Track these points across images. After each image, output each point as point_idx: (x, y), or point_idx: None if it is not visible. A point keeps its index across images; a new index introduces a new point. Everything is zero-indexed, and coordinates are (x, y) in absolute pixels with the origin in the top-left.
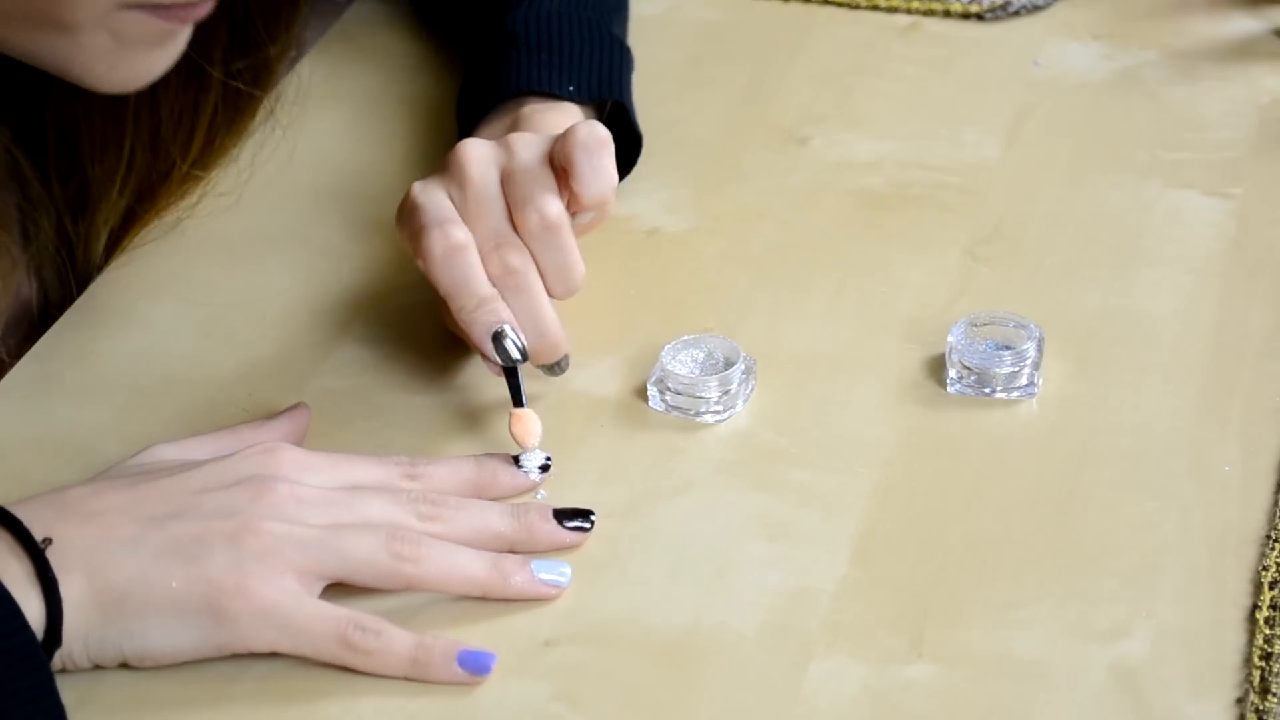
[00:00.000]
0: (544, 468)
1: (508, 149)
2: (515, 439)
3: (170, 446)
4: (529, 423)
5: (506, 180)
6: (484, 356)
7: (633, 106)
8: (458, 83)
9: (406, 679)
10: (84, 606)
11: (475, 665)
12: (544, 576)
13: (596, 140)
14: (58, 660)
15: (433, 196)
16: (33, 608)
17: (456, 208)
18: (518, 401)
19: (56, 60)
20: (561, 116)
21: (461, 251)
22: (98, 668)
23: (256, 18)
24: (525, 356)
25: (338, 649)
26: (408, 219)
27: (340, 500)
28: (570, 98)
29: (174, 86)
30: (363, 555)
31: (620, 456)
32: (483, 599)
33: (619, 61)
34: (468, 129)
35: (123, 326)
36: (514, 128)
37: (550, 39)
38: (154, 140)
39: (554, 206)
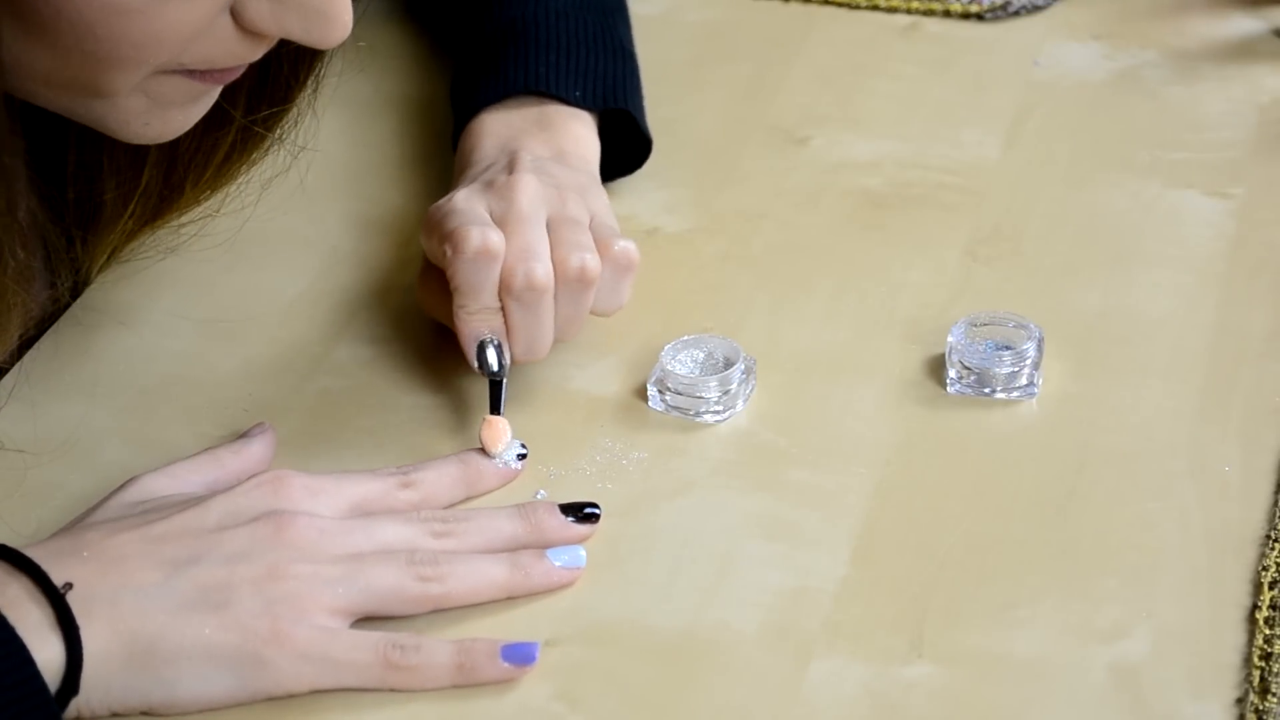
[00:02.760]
0: (521, 456)
1: (561, 200)
2: (483, 443)
3: (158, 477)
4: (498, 431)
5: (554, 223)
6: (464, 354)
7: (642, 109)
8: None
9: (454, 687)
10: (108, 655)
11: (520, 656)
12: (561, 563)
13: (628, 263)
14: (72, 709)
15: (474, 205)
16: (52, 654)
17: (495, 221)
18: (494, 409)
19: (93, 117)
20: (581, 128)
21: (491, 257)
22: (114, 716)
23: (283, 66)
24: (502, 372)
25: (381, 672)
26: (443, 218)
27: (358, 527)
28: (576, 103)
29: (196, 129)
30: (389, 585)
31: (620, 456)
32: (508, 599)
33: (624, 69)
34: (471, 113)
35: (123, 327)
36: (539, 126)
37: (559, 39)
38: (168, 176)
39: (595, 263)
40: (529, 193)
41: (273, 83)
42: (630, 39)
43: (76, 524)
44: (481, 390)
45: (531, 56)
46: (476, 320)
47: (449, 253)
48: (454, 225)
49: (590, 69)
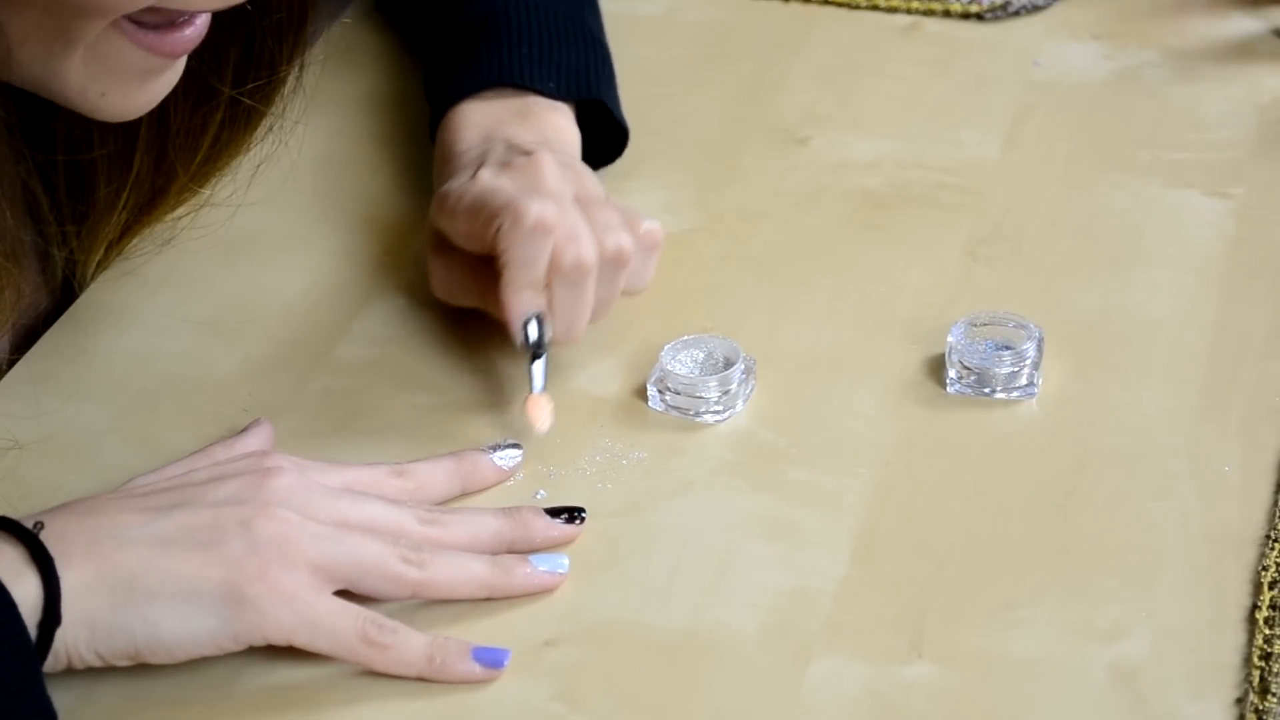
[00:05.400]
0: (513, 445)
1: (579, 179)
2: (529, 419)
3: (151, 478)
4: (542, 406)
5: (581, 203)
6: (509, 329)
7: (617, 99)
8: None
9: (420, 679)
10: (90, 592)
11: (490, 660)
12: (544, 568)
13: (654, 242)
14: (64, 655)
15: (503, 184)
16: (29, 588)
17: None
18: (536, 386)
19: (52, 88)
20: (561, 119)
21: (548, 230)
22: (101, 668)
23: (267, 38)
24: (543, 348)
25: (356, 643)
26: (481, 196)
27: (346, 498)
28: (551, 94)
29: (184, 105)
30: (373, 557)
31: (620, 456)
32: (488, 599)
33: (595, 59)
34: (449, 104)
35: (122, 326)
36: (520, 115)
37: (531, 31)
38: (160, 156)
39: (630, 243)
40: (554, 172)
41: (258, 55)
42: (600, 27)
43: None
44: (484, 391)
45: (505, 48)
46: (526, 297)
47: (505, 225)
48: (504, 199)
49: (562, 60)
